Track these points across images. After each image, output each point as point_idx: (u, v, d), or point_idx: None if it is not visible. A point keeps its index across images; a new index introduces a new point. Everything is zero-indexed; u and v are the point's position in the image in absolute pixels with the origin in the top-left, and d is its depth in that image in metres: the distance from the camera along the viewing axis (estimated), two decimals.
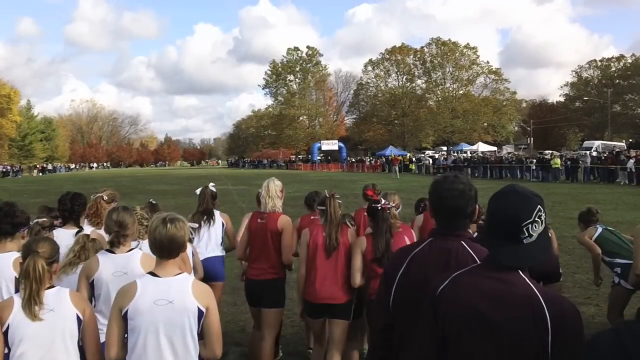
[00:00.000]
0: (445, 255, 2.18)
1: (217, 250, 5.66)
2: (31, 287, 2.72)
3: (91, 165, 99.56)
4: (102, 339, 2.89)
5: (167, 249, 2.73)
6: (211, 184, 5.87)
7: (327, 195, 4.58)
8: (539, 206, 1.90)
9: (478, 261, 2.10)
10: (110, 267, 3.38)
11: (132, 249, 3.56)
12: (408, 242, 4.21)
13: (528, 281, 1.87)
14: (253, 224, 4.95)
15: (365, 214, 4.85)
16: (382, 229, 4.28)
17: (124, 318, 2.70)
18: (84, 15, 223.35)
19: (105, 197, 4.86)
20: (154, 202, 5.64)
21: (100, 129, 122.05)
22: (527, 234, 1.87)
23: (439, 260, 2.18)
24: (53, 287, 2.86)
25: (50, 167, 79.96)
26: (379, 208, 4.32)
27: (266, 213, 4.85)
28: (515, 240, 1.88)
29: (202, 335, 2.82)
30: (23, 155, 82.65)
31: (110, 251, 3.46)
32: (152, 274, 2.78)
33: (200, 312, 2.73)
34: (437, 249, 2.22)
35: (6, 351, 2.71)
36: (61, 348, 2.77)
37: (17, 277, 3.01)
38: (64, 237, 4.11)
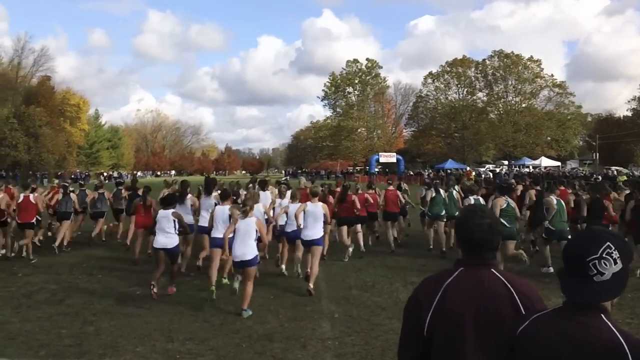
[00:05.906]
0: (478, 283, 2.24)
1: None
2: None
3: (158, 173, 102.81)
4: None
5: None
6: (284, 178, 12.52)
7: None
8: (609, 243, 1.88)
9: (510, 287, 2.19)
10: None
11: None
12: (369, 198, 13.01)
13: (611, 326, 1.83)
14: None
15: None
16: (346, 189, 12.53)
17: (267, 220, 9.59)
18: (152, 27, 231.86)
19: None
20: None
21: (164, 138, 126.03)
22: (595, 271, 1.85)
23: (472, 289, 2.23)
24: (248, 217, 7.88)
25: (115, 174, 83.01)
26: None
27: (305, 187, 13.28)
28: (584, 278, 1.88)
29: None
30: (90, 162, 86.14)
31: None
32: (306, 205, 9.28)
33: (324, 215, 9.13)
34: (470, 278, 2.27)
35: (231, 236, 7.77)
36: (249, 236, 7.61)
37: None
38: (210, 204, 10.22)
